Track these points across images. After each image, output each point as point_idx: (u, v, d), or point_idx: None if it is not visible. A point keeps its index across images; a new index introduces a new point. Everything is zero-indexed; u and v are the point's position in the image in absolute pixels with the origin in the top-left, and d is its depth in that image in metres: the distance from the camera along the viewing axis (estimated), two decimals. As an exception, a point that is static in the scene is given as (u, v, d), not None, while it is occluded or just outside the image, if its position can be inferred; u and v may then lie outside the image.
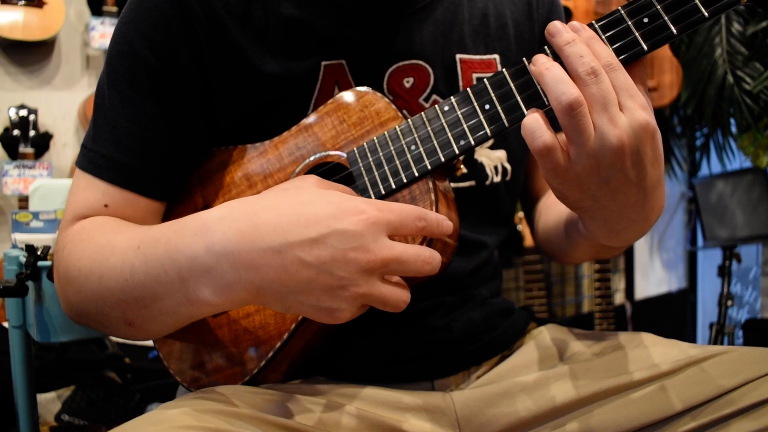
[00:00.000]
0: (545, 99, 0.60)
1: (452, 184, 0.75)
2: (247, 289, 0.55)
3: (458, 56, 0.77)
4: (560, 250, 0.82)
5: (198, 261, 0.55)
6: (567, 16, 2.54)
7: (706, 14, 0.55)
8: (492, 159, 0.80)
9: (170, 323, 0.62)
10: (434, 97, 0.76)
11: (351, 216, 0.54)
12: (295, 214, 0.55)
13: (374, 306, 0.57)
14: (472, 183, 0.78)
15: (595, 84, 0.53)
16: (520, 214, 2.36)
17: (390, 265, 0.55)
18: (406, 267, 0.55)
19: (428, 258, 0.56)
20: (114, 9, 2.20)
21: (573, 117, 0.53)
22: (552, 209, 0.84)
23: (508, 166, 0.81)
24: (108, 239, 0.64)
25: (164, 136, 0.70)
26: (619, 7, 0.58)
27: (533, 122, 0.54)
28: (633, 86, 0.54)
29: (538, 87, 0.59)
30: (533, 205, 0.93)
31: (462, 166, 0.75)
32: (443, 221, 0.59)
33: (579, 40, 0.55)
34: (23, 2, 2.05)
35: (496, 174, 0.80)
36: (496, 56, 0.80)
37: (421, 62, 0.75)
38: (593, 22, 0.58)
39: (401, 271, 0.56)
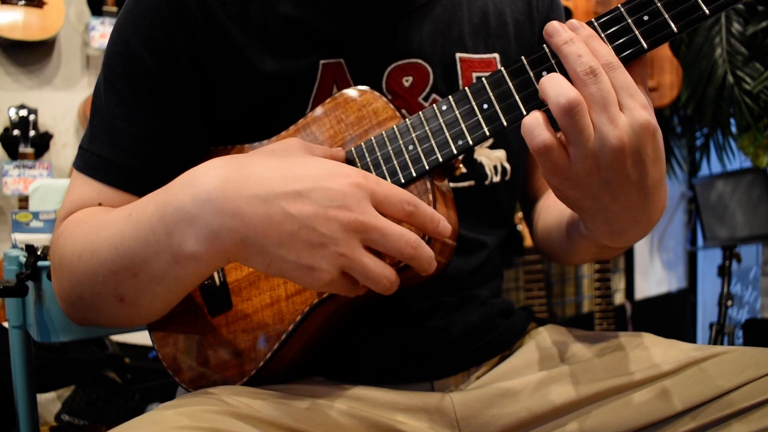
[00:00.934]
0: None
1: (451, 184, 0.74)
2: (231, 237, 0.55)
3: (458, 55, 0.77)
4: (561, 251, 0.82)
5: (184, 210, 0.56)
6: (567, 15, 2.53)
7: (707, 11, 0.55)
8: (491, 159, 0.80)
9: (160, 294, 0.62)
10: (433, 96, 0.75)
11: (338, 178, 0.55)
12: (283, 169, 0.56)
13: (356, 276, 0.56)
14: (471, 183, 0.78)
15: (594, 84, 0.53)
16: (520, 214, 2.35)
17: (370, 232, 0.55)
18: (387, 242, 0.55)
19: (413, 242, 0.56)
20: (114, 9, 2.20)
21: (571, 117, 0.52)
22: (552, 209, 0.84)
23: (507, 166, 0.81)
24: (102, 217, 0.65)
25: (162, 136, 0.70)
26: (619, 5, 0.58)
27: (533, 121, 0.54)
28: (633, 85, 0.54)
29: (537, 86, 0.59)
30: (532, 205, 0.92)
31: (461, 166, 0.75)
32: (439, 219, 0.59)
33: (577, 39, 0.55)
34: (23, 2, 2.05)
35: (496, 174, 0.80)
36: (496, 55, 0.80)
37: (420, 61, 0.75)
38: (593, 20, 0.58)
39: (383, 245, 0.56)
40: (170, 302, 0.65)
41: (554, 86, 0.53)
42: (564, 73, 0.56)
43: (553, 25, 0.56)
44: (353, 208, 0.54)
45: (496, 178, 0.80)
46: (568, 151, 0.54)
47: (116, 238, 0.61)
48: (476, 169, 0.78)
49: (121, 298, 0.63)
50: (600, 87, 0.53)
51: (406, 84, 0.74)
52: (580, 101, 0.52)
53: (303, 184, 0.55)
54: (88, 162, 0.70)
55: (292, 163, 0.57)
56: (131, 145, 0.69)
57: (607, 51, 0.55)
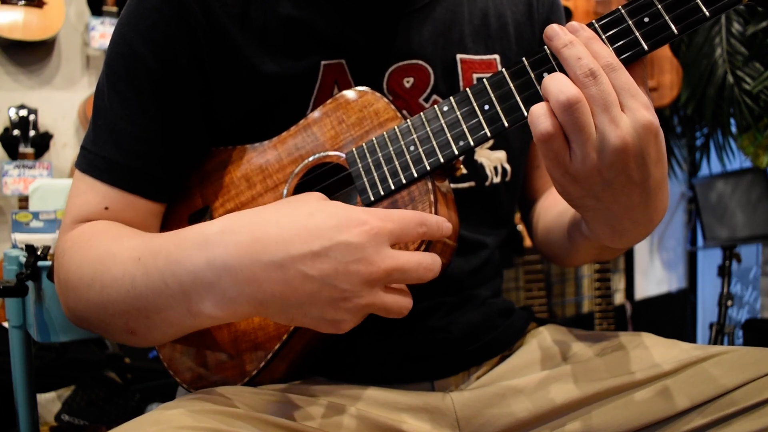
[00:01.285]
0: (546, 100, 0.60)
1: (452, 185, 0.74)
2: (250, 303, 0.55)
3: (458, 56, 0.77)
4: (561, 251, 0.82)
5: (199, 276, 0.55)
6: (567, 16, 2.53)
7: (707, 14, 0.55)
8: (492, 160, 0.79)
9: (172, 332, 0.62)
10: (434, 97, 0.75)
11: (353, 228, 0.54)
12: (296, 227, 0.55)
13: (377, 313, 0.57)
14: (471, 184, 0.78)
15: (594, 85, 0.53)
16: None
17: (392, 275, 0.55)
18: (408, 275, 0.56)
19: (430, 265, 0.56)
20: (114, 9, 2.20)
21: (571, 114, 0.52)
22: (552, 210, 0.84)
23: (508, 167, 0.81)
24: (108, 247, 0.64)
25: (163, 137, 0.70)
26: (620, 7, 0.58)
27: (539, 109, 0.54)
28: (634, 86, 0.54)
29: (538, 87, 0.59)
30: (531, 206, 0.92)
31: (462, 166, 0.75)
32: (443, 223, 0.59)
33: (577, 41, 0.55)
34: (23, 2, 2.05)
35: (496, 175, 0.80)
36: (497, 56, 0.80)
37: (421, 62, 0.75)
38: (593, 21, 0.58)
39: (404, 280, 0.56)
40: (182, 335, 0.65)
41: (556, 84, 0.53)
42: (566, 74, 0.56)
43: (553, 29, 0.56)
44: (373, 258, 0.54)
45: (497, 179, 0.80)
46: (570, 147, 0.54)
47: (126, 280, 0.60)
48: (476, 170, 0.78)
49: (132, 332, 0.63)
50: (600, 88, 0.53)
51: (407, 85, 0.74)
52: (579, 98, 0.52)
53: (320, 242, 0.54)
54: (92, 163, 0.70)
55: (303, 215, 0.56)
56: (134, 146, 0.69)
57: (607, 53, 0.55)
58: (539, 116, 0.54)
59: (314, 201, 0.59)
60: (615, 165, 0.54)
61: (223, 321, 0.58)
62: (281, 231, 0.54)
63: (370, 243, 0.54)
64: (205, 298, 0.56)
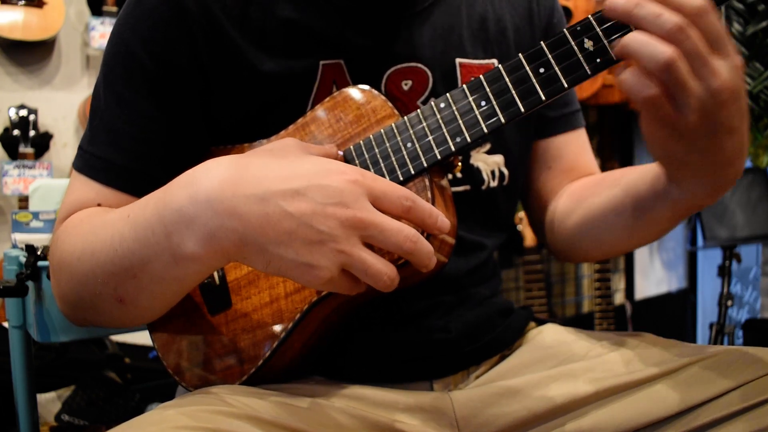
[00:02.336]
0: (541, 93, 0.60)
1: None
2: (230, 238, 0.55)
3: (457, 60, 0.77)
4: (611, 237, 0.77)
5: (182, 212, 0.56)
6: (567, 16, 2.54)
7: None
8: (489, 164, 0.79)
9: (160, 294, 0.62)
10: (432, 100, 0.75)
11: (334, 174, 0.55)
12: (280, 167, 0.56)
13: (356, 273, 0.56)
14: (467, 187, 0.78)
15: (686, 39, 0.51)
16: (520, 214, 2.36)
17: (369, 228, 0.55)
18: (386, 237, 0.55)
19: (413, 236, 0.56)
20: (114, 9, 2.20)
21: (672, 73, 0.51)
22: (598, 196, 0.79)
23: (505, 171, 0.81)
24: (101, 218, 0.65)
25: (161, 137, 0.70)
26: None
27: (632, 77, 0.52)
28: (719, 27, 0.52)
29: (533, 81, 0.59)
30: (544, 208, 0.90)
31: (460, 164, 0.75)
32: (438, 215, 0.58)
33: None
34: (23, 2, 2.05)
35: (493, 179, 0.80)
36: (495, 60, 0.80)
37: (419, 65, 0.75)
38: (589, 16, 0.58)
39: (382, 241, 0.55)
40: (170, 302, 0.65)
41: (645, 45, 0.51)
42: (563, 68, 0.55)
43: (612, 1, 0.53)
44: (351, 204, 0.54)
45: (494, 183, 0.80)
46: (674, 103, 0.53)
47: (115, 239, 0.61)
48: (472, 174, 0.78)
49: (120, 299, 0.63)
50: (692, 41, 0.51)
51: (405, 87, 0.74)
52: (675, 56, 0.50)
53: (300, 182, 0.55)
54: (88, 163, 0.70)
55: (289, 161, 0.57)
56: (131, 146, 0.69)
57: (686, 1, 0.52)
58: (638, 82, 0.52)
59: (297, 150, 0.63)
60: (720, 112, 0.53)
61: (206, 264, 0.58)
62: (266, 170, 0.56)
63: (348, 190, 0.55)
64: (187, 235, 0.56)
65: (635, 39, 0.52)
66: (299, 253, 0.54)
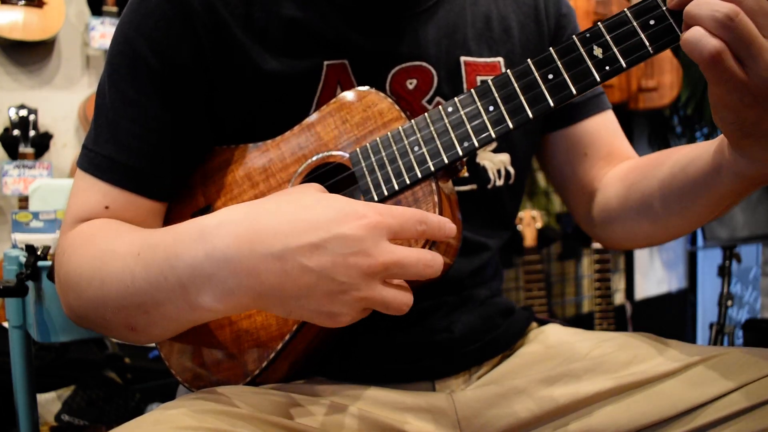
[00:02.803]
0: (550, 100, 0.59)
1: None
2: (248, 294, 0.54)
3: (462, 59, 0.77)
4: (672, 216, 0.73)
5: (198, 268, 0.55)
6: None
7: None
8: (495, 162, 0.79)
9: (172, 328, 0.62)
10: (437, 99, 0.75)
11: (352, 220, 0.53)
12: (295, 219, 0.54)
13: (376, 308, 0.56)
14: (473, 187, 0.78)
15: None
16: (520, 214, 2.36)
17: (391, 269, 0.54)
18: (407, 271, 0.55)
19: (430, 261, 0.56)
20: (114, 9, 2.20)
21: (734, 29, 0.49)
22: (653, 177, 0.74)
23: (511, 170, 0.81)
24: (107, 244, 0.64)
25: (166, 136, 0.70)
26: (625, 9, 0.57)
27: (694, 34, 0.51)
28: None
29: (542, 87, 0.59)
30: (591, 198, 0.86)
31: (465, 168, 0.75)
32: (445, 224, 0.58)
33: None
34: (23, 2, 2.05)
35: (499, 177, 0.80)
36: (500, 59, 0.80)
37: (424, 64, 0.74)
38: (598, 22, 0.58)
39: (403, 275, 0.55)
40: (183, 331, 0.65)
41: (704, 5, 0.50)
42: (572, 75, 0.55)
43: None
44: (371, 251, 0.53)
45: (499, 182, 0.80)
46: (743, 65, 0.51)
47: (126, 276, 0.60)
48: (478, 173, 0.78)
49: (132, 328, 0.63)
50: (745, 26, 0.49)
51: (410, 87, 0.74)
52: (737, 10, 0.49)
53: (318, 234, 0.53)
54: (93, 162, 0.70)
55: (302, 207, 0.56)
56: (136, 145, 0.69)
57: None
58: (699, 39, 0.51)
59: (313, 192, 0.59)
60: None
61: (223, 314, 0.58)
62: (280, 222, 0.54)
63: (368, 236, 0.53)
64: (204, 290, 0.55)
65: (695, 3, 0.51)
66: (321, 304, 0.54)
